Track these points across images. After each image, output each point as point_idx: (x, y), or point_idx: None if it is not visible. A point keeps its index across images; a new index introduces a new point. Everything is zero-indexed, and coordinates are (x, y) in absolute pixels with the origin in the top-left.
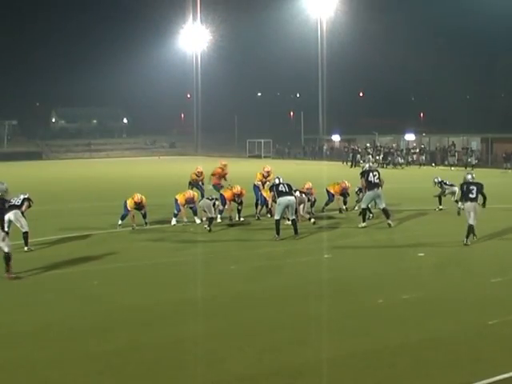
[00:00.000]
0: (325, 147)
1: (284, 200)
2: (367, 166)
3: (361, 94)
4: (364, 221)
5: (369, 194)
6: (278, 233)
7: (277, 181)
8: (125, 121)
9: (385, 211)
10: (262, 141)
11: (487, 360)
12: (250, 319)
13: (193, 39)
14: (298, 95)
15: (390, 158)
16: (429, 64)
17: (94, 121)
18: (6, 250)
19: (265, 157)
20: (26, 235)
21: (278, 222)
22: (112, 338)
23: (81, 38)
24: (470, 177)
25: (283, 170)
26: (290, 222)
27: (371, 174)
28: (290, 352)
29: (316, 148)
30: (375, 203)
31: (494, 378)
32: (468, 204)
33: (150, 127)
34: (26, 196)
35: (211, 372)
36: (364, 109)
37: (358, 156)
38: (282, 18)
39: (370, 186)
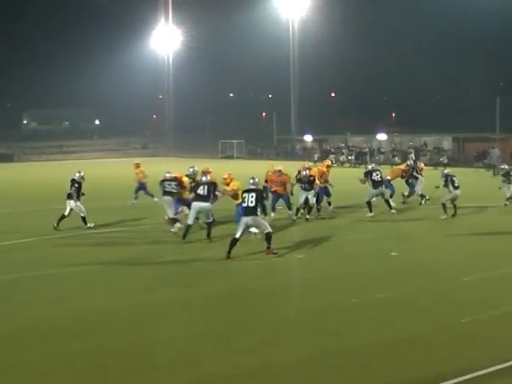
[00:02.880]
0: (297, 147)
1: (197, 205)
2: (370, 166)
3: (333, 95)
4: (371, 211)
5: (374, 191)
6: (184, 237)
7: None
8: (97, 122)
9: (387, 202)
10: (235, 141)
11: (460, 358)
12: (224, 320)
13: (164, 40)
14: (270, 96)
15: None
16: (400, 64)
17: (66, 122)
18: None
19: (237, 157)
20: None
21: (189, 226)
22: (85, 340)
23: (52, 40)
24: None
25: (256, 170)
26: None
27: (374, 173)
28: (264, 352)
29: (288, 148)
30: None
31: (466, 375)
32: (457, 192)
33: (121, 129)
34: None
35: (185, 373)
36: (336, 109)
37: (331, 156)
38: (253, 19)
39: (375, 184)
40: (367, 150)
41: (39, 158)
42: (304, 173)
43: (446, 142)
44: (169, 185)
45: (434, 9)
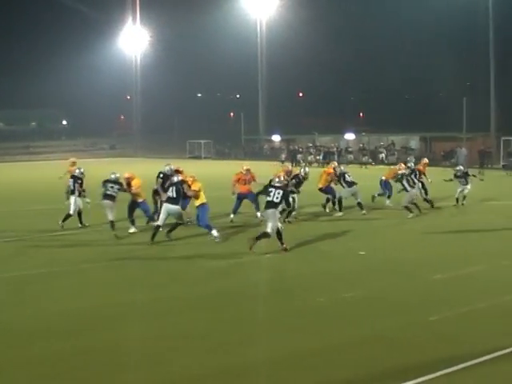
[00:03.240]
0: (265, 147)
1: (166, 207)
2: (340, 169)
3: (300, 94)
4: (340, 210)
5: (349, 190)
6: (152, 238)
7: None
8: (64, 123)
9: (359, 204)
10: (202, 142)
11: (428, 356)
12: (193, 321)
13: (132, 40)
14: (237, 96)
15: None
16: (368, 63)
17: (33, 123)
18: None
19: (205, 158)
20: None
21: (158, 227)
22: (54, 342)
23: (19, 40)
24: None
25: (224, 170)
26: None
27: (346, 175)
28: (233, 352)
29: (256, 148)
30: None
31: (436, 373)
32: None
33: (89, 129)
34: None
35: (155, 374)
36: (304, 109)
37: (299, 156)
38: (221, 19)
39: (349, 184)
40: (335, 149)
41: (5, 159)
42: (306, 170)
43: (414, 142)
44: (111, 187)
45: (402, 9)
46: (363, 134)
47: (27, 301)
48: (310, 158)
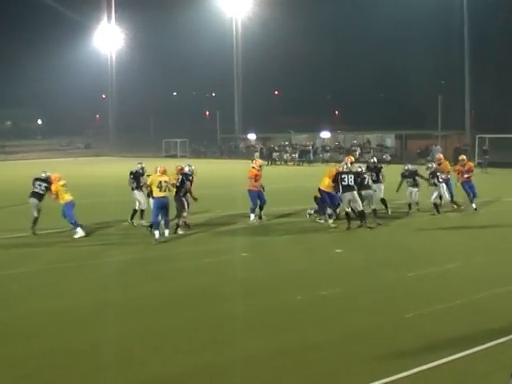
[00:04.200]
0: (241, 146)
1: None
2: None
3: (276, 93)
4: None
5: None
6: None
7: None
8: (39, 122)
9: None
10: (178, 140)
11: (406, 352)
12: (169, 320)
13: (107, 39)
14: (213, 94)
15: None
16: (343, 62)
17: (8, 122)
18: None
19: (181, 156)
20: None
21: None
22: (31, 342)
23: None
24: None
25: (199, 169)
26: None
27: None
28: (210, 351)
29: (232, 147)
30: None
31: (413, 369)
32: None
33: (65, 128)
34: None
35: (130, 373)
36: (279, 107)
37: (275, 154)
38: (197, 17)
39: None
40: (311, 147)
41: None
42: (359, 168)
43: (389, 140)
44: (39, 185)
45: (378, 8)
46: (339, 132)
47: (8, 300)
48: (285, 157)
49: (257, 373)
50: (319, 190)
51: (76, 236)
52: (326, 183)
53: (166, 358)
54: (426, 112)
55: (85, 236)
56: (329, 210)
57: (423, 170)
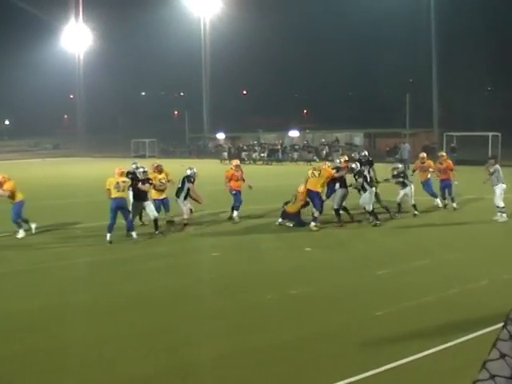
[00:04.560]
0: (209, 145)
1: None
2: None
3: (244, 92)
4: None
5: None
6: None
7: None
8: (6, 122)
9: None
10: (147, 140)
11: (376, 350)
12: (140, 320)
13: (75, 39)
14: (181, 94)
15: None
16: (311, 61)
17: None
18: None
19: (150, 156)
20: None
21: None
22: (0, 344)
23: None
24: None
25: (168, 168)
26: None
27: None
28: (181, 351)
29: (201, 146)
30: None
31: (381, 367)
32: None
33: (33, 129)
34: None
35: (103, 374)
36: (248, 106)
37: (243, 153)
38: (165, 17)
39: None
40: (279, 146)
41: None
42: (354, 165)
43: (358, 138)
44: None
45: (345, 7)
46: (307, 131)
47: None
48: (254, 156)
49: (227, 372)
50: (308, 190)
51: (19, 236)
52: (317, 184)
53: (137, 358)
54: (394, 110)
55: (23, 237)
56: (316, 213)
57: (389, 170)
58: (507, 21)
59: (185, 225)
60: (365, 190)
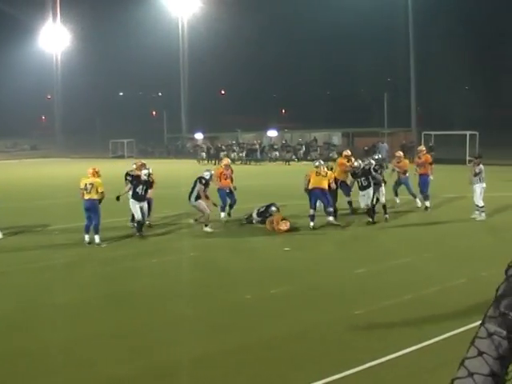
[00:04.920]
0: (188, 145)
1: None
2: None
3: (223, 92)
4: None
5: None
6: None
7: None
8: None
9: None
10: (125, 141)
11: (355, 349)
12: (117, 321)
13: (53, 39)
14: (159, 94)
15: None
16: (289, 61)
17: None
18: None
19: (128, 157)
20: None
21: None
22: None
23: None
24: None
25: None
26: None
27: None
28: (160, 352)
29: (179, 146)
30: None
31: (361, 366)
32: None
33: (10, 129)
34: None
35: (81, 375)
36: (226, 106)
37: (222, 153)
38: (143, 16)
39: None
40: (258, 146)
41: None
42: (356, 164)
43: (336, 137)
44: None
45: (323, 7)
46: (286, 130)
47: None
48: (233, 156)
49: (205, 373)
50: (316, 189)
51: None
52: (323, 182)
53: (116, 359)
54: (372, 110)
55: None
56: (311, 211)
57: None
58: (484, 20)
59: (205, 225)
60: (365, 188)
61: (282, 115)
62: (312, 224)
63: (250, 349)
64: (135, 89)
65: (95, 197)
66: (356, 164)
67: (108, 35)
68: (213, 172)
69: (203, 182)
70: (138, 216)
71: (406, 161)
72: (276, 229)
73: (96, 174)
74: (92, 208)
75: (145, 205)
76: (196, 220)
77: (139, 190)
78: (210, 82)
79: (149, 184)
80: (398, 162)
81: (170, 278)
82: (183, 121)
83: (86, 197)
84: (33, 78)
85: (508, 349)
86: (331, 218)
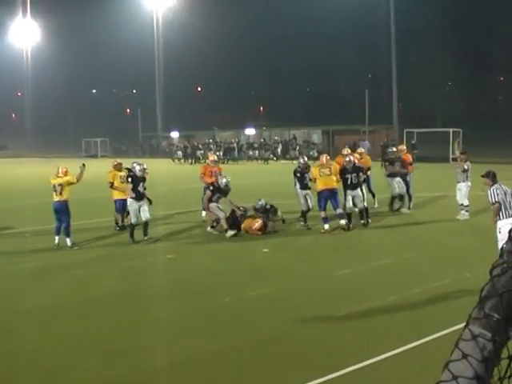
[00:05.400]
0: (163, 144)
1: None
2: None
3: (199, 89)
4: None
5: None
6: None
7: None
8: None
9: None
10: (99, 140)
11: (337, 353)
12: (91, 326)
13: (22, 34)
14: (134, 91)
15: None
16: (268, 57)
17: None
18: None
19: (102, 156)
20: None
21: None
22: None
23: None
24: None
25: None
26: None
27: (306, 175)
28: (136, 357)
29: (154, 145)
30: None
31: (344, 369)
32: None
33: None
34: None
35: (54, 382)
36: (203, 104)
37: (198, 152)
38: (116, 11)
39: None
40: (235, 144)
41: None
42: (348, 159)
43: (316, 135)
44: None
45: (303, 3)
46: (264, 128)
47: None
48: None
49: (182, 378)
50: (326, 191)
51: None
52: (332, 181)
53: (92, 364)
54: (353, 107)
55: None
56: (322, 214)
57: None
58: (466, 16)
59: (226, 230)
60: (355, 187)
61: (260, 113)
62: (327, 227)
63: (228, 354)
64: (109, 86)
65: (64, 198)
66: (347, 159)
67: (80, 30)
68: (144, 166)
69: (213, 186)
70: (134, 219)
71: (368, 157)
72: (250, 231)
73: (65, 174)
74: (61, 210)
75: (144, 204)
76: (213, 227)
77: (140, 188)
78: (186, 78)
79: (144, 180)
80: (360, 160)
81: (146, 280)
82: (158, 119)
83: (56, 198)
84: (2, 74)
85: (493, 351)
86: (343, 222)
